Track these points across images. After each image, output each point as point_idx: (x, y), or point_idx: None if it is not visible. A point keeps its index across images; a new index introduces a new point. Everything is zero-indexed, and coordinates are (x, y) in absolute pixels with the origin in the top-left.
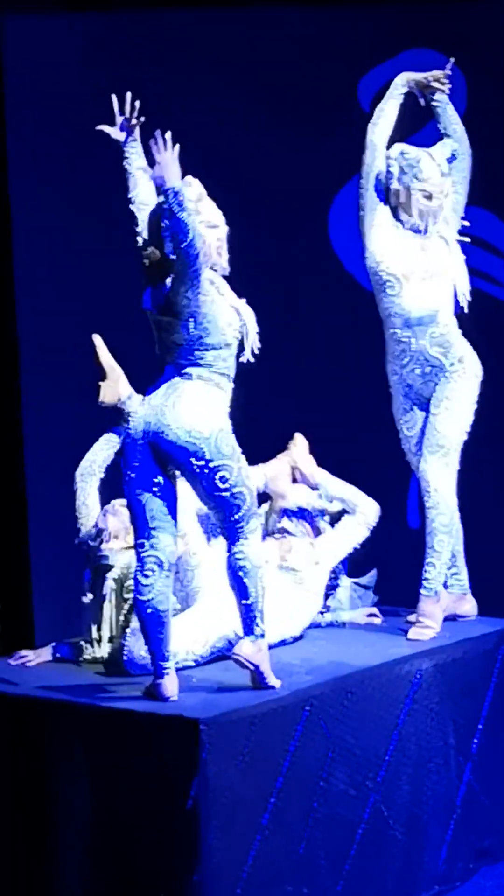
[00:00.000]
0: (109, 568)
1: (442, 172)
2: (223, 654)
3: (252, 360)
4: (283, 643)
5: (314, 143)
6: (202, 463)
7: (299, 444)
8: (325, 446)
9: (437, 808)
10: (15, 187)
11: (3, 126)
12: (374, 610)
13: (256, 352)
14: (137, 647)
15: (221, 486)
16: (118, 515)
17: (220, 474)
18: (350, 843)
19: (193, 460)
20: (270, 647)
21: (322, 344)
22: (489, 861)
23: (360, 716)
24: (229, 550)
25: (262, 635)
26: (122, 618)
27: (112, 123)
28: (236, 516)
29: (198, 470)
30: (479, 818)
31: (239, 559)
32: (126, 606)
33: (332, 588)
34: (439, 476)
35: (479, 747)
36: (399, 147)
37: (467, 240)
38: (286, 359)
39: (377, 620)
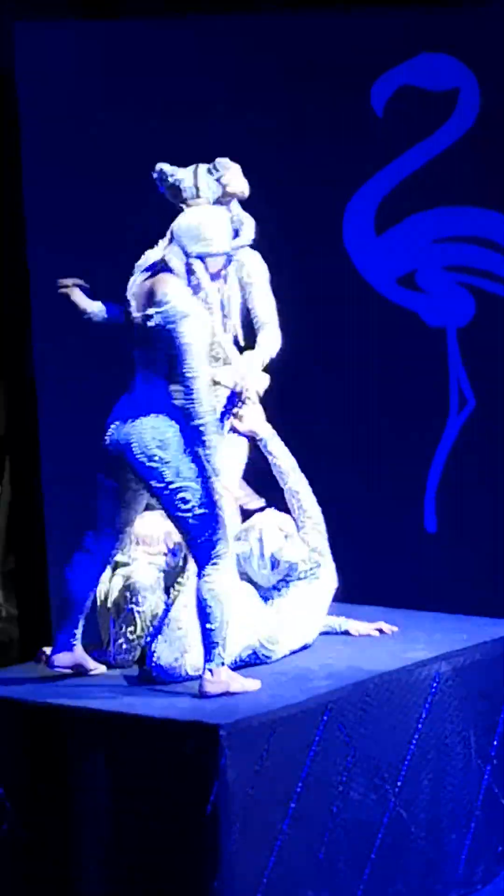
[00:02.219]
0: (126, 565)
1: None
2: (247, 664)
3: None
4: (304, 647)
5: (327, 148)
6: (162, 485)
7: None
8: (341, 446)
9: (457, 811)
10: (29, 193)
11: (18, 133)
12: (382, 624)
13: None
14: (166, 653)
15: (183, 506)
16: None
17: (180, 495)
18: (370, 847)
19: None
20: (294, 653)
21: (337, 350)
22: None
23: (379, 720)
24: (199, 575)
25: (222, 663)
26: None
27: None
28: (201, 540)
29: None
30: (499, 821)
31: (208, 585)
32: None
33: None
34: None
35: (498, 750)
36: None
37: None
38: (300, 363)
39: (387, 629)
